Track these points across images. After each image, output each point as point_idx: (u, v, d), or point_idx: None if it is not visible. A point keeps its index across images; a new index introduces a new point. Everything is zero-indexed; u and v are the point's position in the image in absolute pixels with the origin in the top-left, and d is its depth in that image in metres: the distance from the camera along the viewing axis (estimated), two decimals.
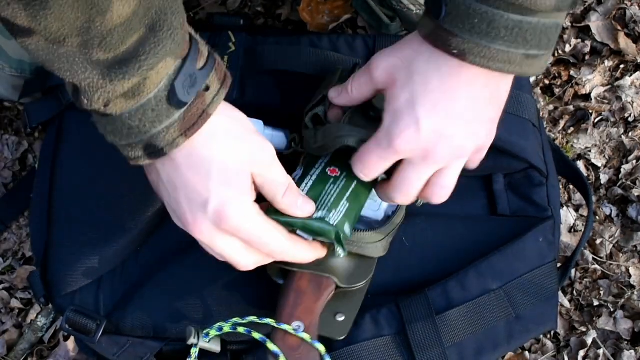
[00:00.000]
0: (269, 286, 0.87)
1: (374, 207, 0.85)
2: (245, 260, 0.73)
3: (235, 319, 0.79)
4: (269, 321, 0.78)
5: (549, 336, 1.08)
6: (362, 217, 0.84)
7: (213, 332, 0.78)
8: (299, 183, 0.78)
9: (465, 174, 0.95)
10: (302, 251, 0.76)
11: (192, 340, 0.76)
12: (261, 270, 0.83)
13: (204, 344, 0.78)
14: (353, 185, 0.78)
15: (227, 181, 0.68)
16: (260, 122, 0.86)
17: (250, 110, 0.81)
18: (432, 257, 0.91)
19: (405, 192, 0.74)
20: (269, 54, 0.96)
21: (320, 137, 0.79)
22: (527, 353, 1.06)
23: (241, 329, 0.79)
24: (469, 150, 0.72)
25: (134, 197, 0.90)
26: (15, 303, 1.17)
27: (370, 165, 0.73)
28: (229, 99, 0.70)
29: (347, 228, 0.76)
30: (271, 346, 0.76)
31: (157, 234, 0.91)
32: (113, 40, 0.59)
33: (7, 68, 1.02)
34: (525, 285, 0.88)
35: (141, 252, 0.91)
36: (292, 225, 0.74)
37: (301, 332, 0.77)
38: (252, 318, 0.79)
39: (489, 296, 0.88)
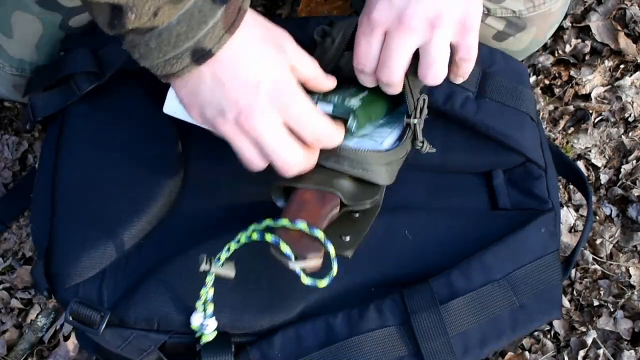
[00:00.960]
0: (273, 278, 0.87)
1: (376, 145, 0.85)
2: (291, 158, 0.78)
3: (252, 227, 0.80)
4: (284, 222, 0.78)
5: (549, 336, 1.08)
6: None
7: (223, 255, 0.79)
8: None
9: (465, 171, 0.97)
10: (337, 131, 0.80)
11: (204, 267, 0.78)
12: (268, 262, 0.83)
13: (217, 269, 0.79)
14: (366, 92, 0.84)
15: (272, 62, 0.73)
16: None
17: None
18: (434, 250, 0.91)
19: (390, 66, 0.78)
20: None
21: (335, 33, 0.84)
22: (527, 353, 1.06)
23: (255, 235, 0.79)
24: (446, 20, 0.75)
25: (137, 191, 0.90)
26: (15, 303, 1.17)
27: (361, 52, 0.79)
28: None
29: (363, 115, 0.82)
30: (269, 237, 0.77)
31: (161, 228, 0.91)
32: None
33: (7, 67, 1.02)
34: (529, 275, 0.89)
35: (144, 245, 0.90)
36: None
37: (299, 224, 0.77)
38: (267, 221, 0.80)
39: (493, 286, 0.88)
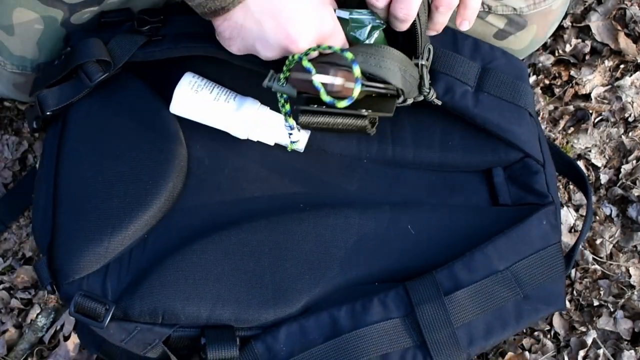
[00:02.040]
0: (277, 272, 0.88)
1: None
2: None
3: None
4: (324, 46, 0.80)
5: (549, 336, 1.08)
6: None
7: (282, 75, 0.82)
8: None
9: (464, 169, 0.97)
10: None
11: (267, 83, 0.81)
12: (273, 254, 0.83)
13: (280, 87, 0.82)
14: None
15: None
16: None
17: None
18: (437, 244, 0.92)
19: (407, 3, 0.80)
20: None
21: None
22: (527, 353, 1.06)
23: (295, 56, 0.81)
24: None
25: (140, 186, 0.90)
26: (15, 303, 1.17)
27: None
28: None
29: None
30: (296, 56, 0.79)
31: (165, 221, 0.92)
32: None
33: (8, 65, 1.02)
34: (532, 266, 0.90)
35: (148, 239, 0.91)
36: None
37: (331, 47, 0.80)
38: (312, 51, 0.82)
39: (496, 277, 0.89)
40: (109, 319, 0.85)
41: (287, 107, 0.83)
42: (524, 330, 1.08)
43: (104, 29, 0.98)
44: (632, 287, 1.09)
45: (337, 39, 0.81)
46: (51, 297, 1.16)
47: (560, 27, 1.25)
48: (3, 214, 1.21)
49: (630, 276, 1.10)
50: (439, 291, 0.87)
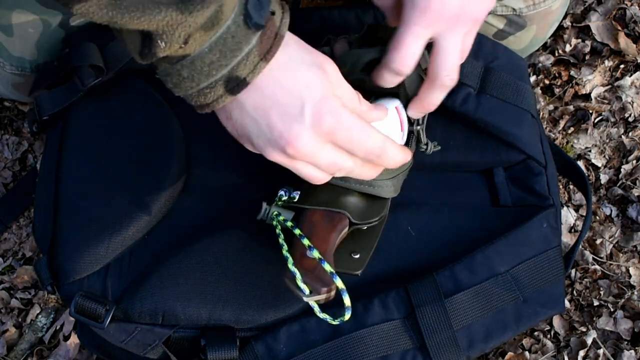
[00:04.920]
0: (275, 273, 0.87)
1: None
2: (351, 164, 0.75)
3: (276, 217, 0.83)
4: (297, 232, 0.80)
5: (549, 336, 1.08)
6: None
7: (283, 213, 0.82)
8: None
9: (465, 169, 0.97)
10: (397, 149, 0.77)
11: (261, 216, 0.82)
12: (273, 254, 0.83)
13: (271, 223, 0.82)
14: None
15: (313, 83, 0.69)
16: None
17: None
18: (437, 245, 0.92)
19: (449, 65, 0.77)
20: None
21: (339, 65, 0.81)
22: (527, 353, 1.06)
23: (280, 238, 0.80)
24: (483, 15, 0.76)
25: (141, 187, 0.91)
26: (15, 303, 1.17)
27: (406, 48, 0.75)
28: None
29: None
30: (290, 265, 0.77)
31: (165, 222, 0.92)
32: None
33: (7, 66, 1.02)
34: (532, 269, 0.90)
35: (149, 239, 0.91)
36: None
37: (313, 252, 0.77)
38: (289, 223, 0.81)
39: (496, 279, 0.89)
40: (109, 319, 0.85)
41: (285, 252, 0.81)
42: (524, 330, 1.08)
43: (105, 31, 0.98)
44: (632, 287, 1.09)
45: (343, 132, 0.71)
46: (51, 297, 1.16)
47: (560, 27, 1.25)
48: (3, 214, 1.21)
49: (630, 276, 1.10)
50: (440, 293, 0.87)
